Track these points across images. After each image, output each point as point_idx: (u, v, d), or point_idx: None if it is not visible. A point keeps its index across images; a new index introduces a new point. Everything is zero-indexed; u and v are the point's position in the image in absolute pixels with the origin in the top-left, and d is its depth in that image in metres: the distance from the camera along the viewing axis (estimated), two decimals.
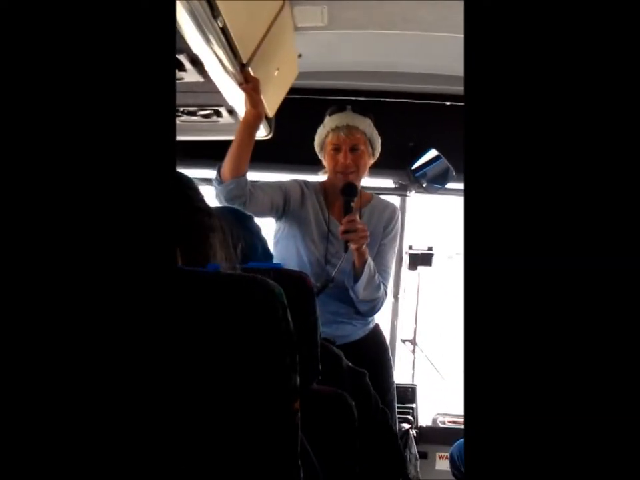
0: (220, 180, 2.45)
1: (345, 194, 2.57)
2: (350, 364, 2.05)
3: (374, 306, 2.67)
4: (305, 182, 2.72)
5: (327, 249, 2.65)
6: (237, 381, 0.91)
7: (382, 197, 2.92)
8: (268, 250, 1.87)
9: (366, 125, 2.64)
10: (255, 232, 1.86)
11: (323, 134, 2.66)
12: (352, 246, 2.51)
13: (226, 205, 2.43)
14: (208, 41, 1.88)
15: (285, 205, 2.62)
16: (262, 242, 1.86)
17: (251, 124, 2.40)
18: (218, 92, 2.27)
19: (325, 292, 2.55)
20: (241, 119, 2.50)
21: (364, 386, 2.04)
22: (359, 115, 2.65)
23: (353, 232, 2.50)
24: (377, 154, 2.70)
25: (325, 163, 2.69)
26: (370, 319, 2.78)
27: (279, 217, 2.67)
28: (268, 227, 2.68)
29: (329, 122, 2.65)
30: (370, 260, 2.59)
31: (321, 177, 2.75)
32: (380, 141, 2.69)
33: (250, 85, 2.29)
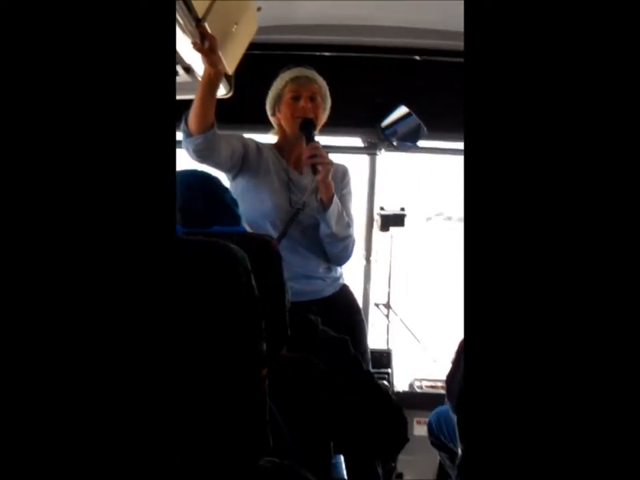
0: (187, 132, 2.45)
1: (304, 127, 2.62)
2: (331, 332, 1.99)
3: (346, 246, 2.68)
4: (259, 142, 2.74)
5: (290, 199, 2.65)
6: (202, 348, 0.88)
7: (350, 156, 2.94)
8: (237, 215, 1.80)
9: (321, 80, 2.71)
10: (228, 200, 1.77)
11: (280, 85, 2.70)
12: (319, 173, 2.54)
13: (194, 155, 2.48)
14: None
15: (244, 154, 2.64)
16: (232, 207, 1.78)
17: (211, 83, 2.35)
18: None
19: (294, 242, 2.59)
20: (198, 77, 2.41)
21: (346, 353, 1.98)
22: (314, 71, 2.72)
23: (318, 156, 2.55)
24: (327, 111, 2.73)
25: (278, 117, 2.71)
26: (339, 274, 2.77)
27: (237, 172, 2.67)
28: None
29: (287, 74, 2.70)
30: (336, 198, 2.62)
31: (271, 138, 2.78)
32: (330, 100, 2.72)
33: (206, 44, 2.20)
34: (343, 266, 2.80)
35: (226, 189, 1.80)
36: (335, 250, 2.68)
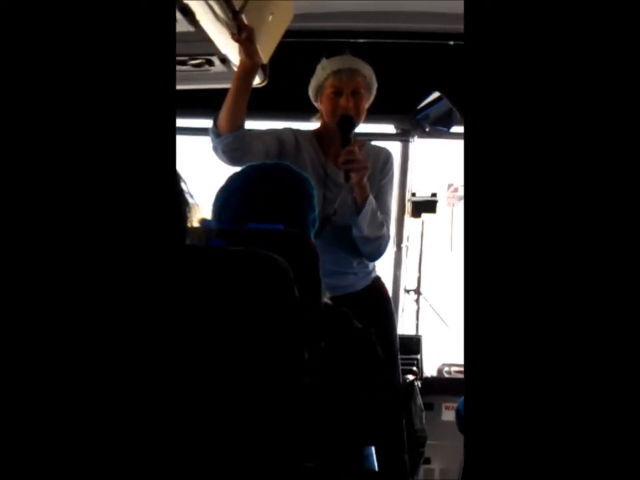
0: (217, 132, 2.40)
1: (341, 126, 2.53)
2: (358, 324, 2.01)
3: (378, 245, 2.60)
4: (298, 130, 2.67)
5: (324, 195, 2.57)
6: (244, 357, 0.90)
7: (383, 143, 2.84)
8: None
9: (366, 69, 2.59)
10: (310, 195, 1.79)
11: (322, 77, 2.59)
12: (353, 178, 2.46)
13: (224, 157, 2.43)
14: None
15: (279, 153, 2.57)
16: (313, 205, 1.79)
17: (247, 75, 2.33)
18: (210, 41, 2.18)
19: (326, 241, 2.48)
20: (233, 68, 2.41)
21: (371, 346, 2.01)
22: (359, 58, 2.60)
23: (353, 162, 2.46)
24: (372, 98, 2.65)
25: (320, 107, 2.63)
26: (371, 267, 2.74)
27: None
28: None
29: (329, 65, 2.59)
30: (371, 197, 2.54)
31: (314, 124, 2.70)
32: (376, 85, 2.63)
33: (244, 35, 2.20)
34: None
35: (307, 192, 1.78)
36: (366, 249, 2.62)
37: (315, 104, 2.66)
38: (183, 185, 1.01)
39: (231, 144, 2.39)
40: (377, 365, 2.02)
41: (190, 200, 1.01)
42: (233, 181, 1.77)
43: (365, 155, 2.64)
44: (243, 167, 1.84)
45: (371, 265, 2.75)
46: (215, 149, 2.44)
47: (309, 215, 1.77)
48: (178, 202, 0.97)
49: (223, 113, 2.38)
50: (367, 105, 2.62)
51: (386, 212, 2.66)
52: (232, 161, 2.43)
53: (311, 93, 2.65)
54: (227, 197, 1.73)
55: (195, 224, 1.11)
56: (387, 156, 2.72)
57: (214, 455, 0.89)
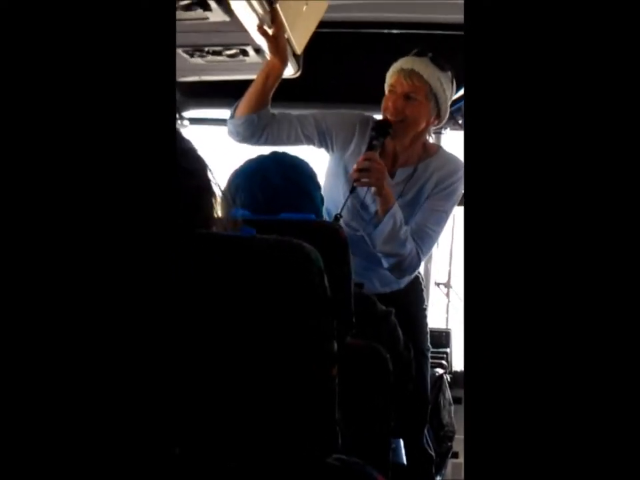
0: (232, 113, 2.45)
1: (374, 130, 2.40)
2: (383, 307, 2.01)
3: (399, 263, 2.40)
4: (369, 117, 2.54)
5: (365, 193, 2.46)
6: (274, 348, 0.89)
7: None
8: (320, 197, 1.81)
9: (433, 77, 2.38)
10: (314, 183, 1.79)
11: (389, 74, 2.45)
12: (374, 191, 2.34)
13: (234, 138, 2.46)
14: None
15: (323, 138, 2.50)
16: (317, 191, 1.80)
17: (270, 70, 2.34)
18: (245, 31, 2.18)
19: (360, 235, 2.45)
20: (268, 58, 2.41)
21: (391, 325, 2.01)
22: (434, 64, 2.39)
23: (366, 171, 2.29)
24: (444, 115, 2.45)
25: None
26: None
27: (326, 150, 2.55)
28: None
29: (400, 62, 2.43)
30: (397, 210, 2.35)
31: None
32: (449, 101, 2.44)
33: (272, 31, 2.19)
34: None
35: (310, 175, 1.78)
36: (386, 263, 2.42)
37: None
38: (209, 174, 1.01)
39: (241, 127, 2.42)
40: (401, 351, 2.03)
41: (217, 191, 1.01)
42: (235, 176, 1.78)
43: (427, 163, 2.48)
44: (243, 162, 1.83)
45: None
46: (230, 132, 2.48)
47: (316, 192, 1.77)
48: (203, 192, 0.98)
49: (242, 100, 2.42)
50: (429, 117, 2.42)
51: (424, 230, 2.44)
52: (240, 141, 2.47)
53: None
54: (233, 191, 1.74)
55: (223, 213, 1.12)
56: (452, 168, 2.47)
57: (238, 447, 0.89)
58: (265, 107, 2.43)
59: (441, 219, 2.50)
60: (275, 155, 1.83)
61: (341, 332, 1.24)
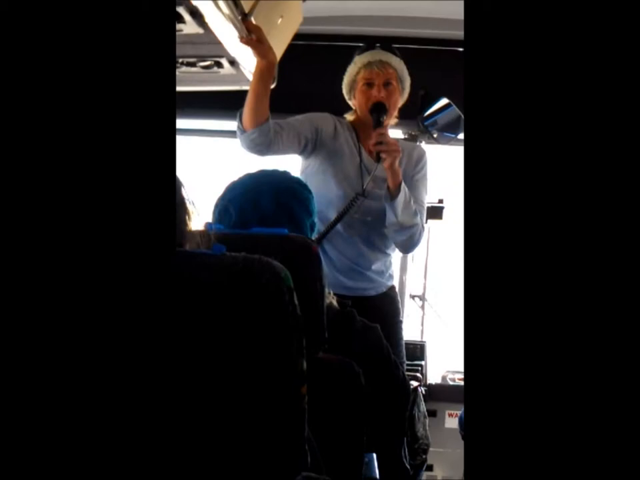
0: (242, 129, 2.45)
1: (374, 111, 2.57)
2: (364, 320, 2.00)
3: (412, 234, 2.59)
4: (338, 117, 2.70)
5: (362, 185, 2.59)
6: (243, 365, 0.89)
7: None
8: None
9: (397, 62, 2.66)
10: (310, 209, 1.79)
11: (354, 71, 2.65)
12: (384, 161, 2.47)
13: (251, 151, 2.49)
14: None
15: (315, 138, 2.61)
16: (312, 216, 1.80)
17: (263, 74, 2.36)
18: (219, 43, 2.18)
19: (350, 235, 2.55)
20: (242, 70, 2.44)
21: (377, 341, 2.00)
22: (391, 53, 2.67)
23: (384, 144, 2.49)
24: (406, 94, 2.70)
25: (354, 103, 2.67)
26: (388, 275, 2.73)
27: (309, 153, 2.64)
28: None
29: (360, 59, 2.65)
30: (404, 185, 2.55)
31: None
32: (409, 80, 2.68)
33: (254, 37, 2.22)
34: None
35: (303, 201, 1.79)
36: (399, 238, 2.62)
37: (349, 102, 2.71)
38: (183, 192, 1.00)
39: (257, 138, 2.44)
40: (382, 360, 2.01)
41: (190, 207, 1.00)
42: (229, 190, 1.78)
43: (401, 142, 2.67)
44: (241, 175, 1.84)
45: (388, 273, 2.75)
46: (242, 144, 2.50)
47: (305, 220, 1.77)
48: (177, 208, 0.97)
49: (246, 112, 2.43)
50: (400, 99, 2.67)
51: (420, 204, 2.66)
52: (258, 153, 2.50)
53: (344, 90, 2.70)
54: (225, 204, 1.73)
55: (199, 228, 1.10)
56: (420, 153, 2.75)
57: (209, 463, 0.88)
58: (268, 113, 2.46)
59: (424, 196, 2.73)
60: (273, 174, 1.82)
61: (311, 348, 1.24)
